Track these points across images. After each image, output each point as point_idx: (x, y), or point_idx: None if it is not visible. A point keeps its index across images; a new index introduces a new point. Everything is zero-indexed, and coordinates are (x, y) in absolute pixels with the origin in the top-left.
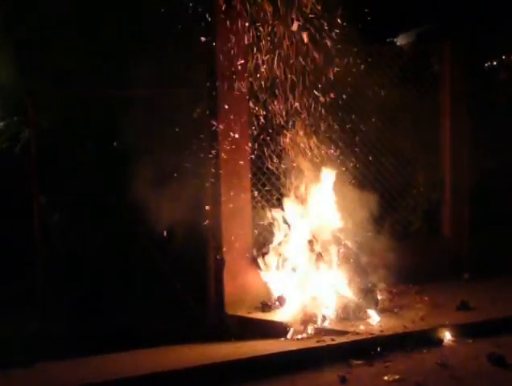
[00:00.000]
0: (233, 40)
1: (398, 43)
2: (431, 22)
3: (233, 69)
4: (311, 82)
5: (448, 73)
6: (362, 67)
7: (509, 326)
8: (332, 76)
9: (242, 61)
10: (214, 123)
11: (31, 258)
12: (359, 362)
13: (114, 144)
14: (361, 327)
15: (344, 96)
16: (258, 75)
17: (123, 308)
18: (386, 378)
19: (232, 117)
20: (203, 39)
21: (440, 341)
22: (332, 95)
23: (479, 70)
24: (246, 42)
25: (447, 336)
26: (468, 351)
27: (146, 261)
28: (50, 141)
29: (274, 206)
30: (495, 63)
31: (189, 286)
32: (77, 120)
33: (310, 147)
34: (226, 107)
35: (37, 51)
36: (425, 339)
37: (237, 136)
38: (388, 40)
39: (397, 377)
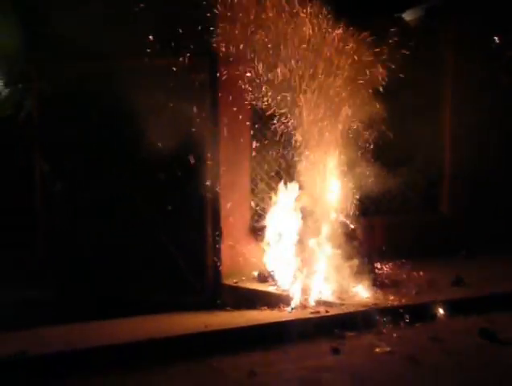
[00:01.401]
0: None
1: (405, 19)
2: None
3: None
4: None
5: (452, 50)
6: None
7: (501, 303)
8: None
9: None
10: (214, 93)
11: (32, 226)
12: (352, 334)
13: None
14: (356, 300)
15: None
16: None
17: (123, 279)
18: (377, 350)
19: (232, 87)
20: None
21: (433, 316)
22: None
23: (484, 48)
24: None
25: (440, 311)
26: (460, 325)
27: (146, 233)
28: (53, 109)
29: (272, 178)
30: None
31: (188, 257)
32: (80, 89)
33: (310, 120)
34: (227, 76)
35: (41, 21)
36: (418, 314)
37: (237, 108)
38: (396, 15)
39: (388, 349)
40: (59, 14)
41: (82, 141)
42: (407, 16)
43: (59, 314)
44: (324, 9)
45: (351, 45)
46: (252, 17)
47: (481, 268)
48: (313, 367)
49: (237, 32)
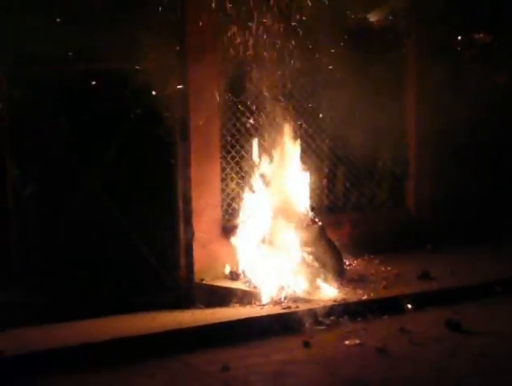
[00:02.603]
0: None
1: (370, 19)
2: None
3: (203, 43)
4: (279, 56)
5: (413, 50)
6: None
7: (466, 295)
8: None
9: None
10: (184, 97)
11: (5, 229)
12: (322, 328)
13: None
14: (326, 295)
15: (310, 71)
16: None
17: (96, 279)
18: (347, 342)
19: (201, 90)
20: None
21: (401, 309)
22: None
23: (446, 47)
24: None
25: (407, 304)
26: (428, 317)
27: (118, 233)
28: (24, 114)
29: (243, 178)
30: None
31: (160, 257)
32: (50, 94)
33: (279, 121)
34: (196, 80)
35: (10, 23)
36: (386, 307)
37: (207, 109)
38: (360, 16)
39: (357, 342)
40: (27, 17)
41: (52, 144)
42: (372, 17)
43: (33, 316)
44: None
45: None
46: None
47: (446, 261)
48: (285, 360)
49: None
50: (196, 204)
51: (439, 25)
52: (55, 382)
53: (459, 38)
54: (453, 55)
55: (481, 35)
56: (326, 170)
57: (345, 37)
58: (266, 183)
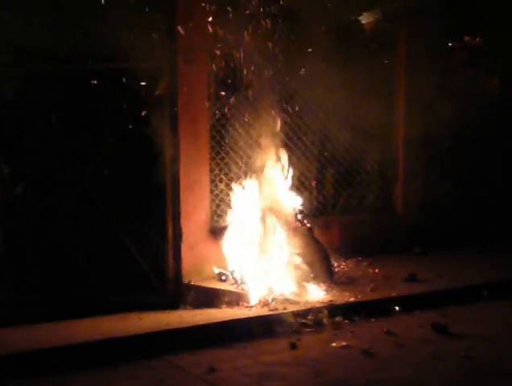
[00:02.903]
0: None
1: (362, 21)
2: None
3: (193, 44)
4: (271, 57)
5: (403, 52)
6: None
7: (453, 298)
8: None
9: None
10: (173, 98)
11: None
12: (309, 329)
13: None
14: (314, 297)
15: (301, 72)
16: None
17: (84, 279)
18: (333, 344)
19: (191, 91)
20: None
21: (388, 311)
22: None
23: (438, 51)
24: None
25: (394, 306)
26: (414, 320)
27: (107, 233)
28: (14, 112)
29: (231, 179)
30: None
31: (148, 258)
32: (41, 92)
33: (267, 122)
34: (186, 82)
35: (2, 24)
36: (373, 309)
37: (196, 110)
38: (353, 18)
39: (344, 344)
40: (19, 15)
41: (42, 143)
42: (365, 19)
43: (18, 316)
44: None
45: None
46: None
47: (434, 264)
48: (271, 362)
49: None
50: (185, 205)
51: (430, 27)
52: (37, 383)
53: (449, 41)
54: (443, 58)
55: (472, 38)
56: (315, 171)
57: (334, 37)
58: (255, 185)
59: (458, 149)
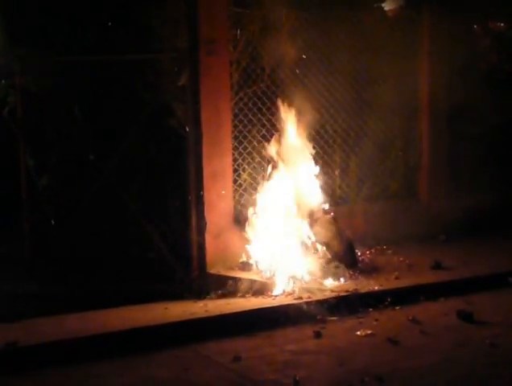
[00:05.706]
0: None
1: (385, 8)
2: None
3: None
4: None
5: (426, 39)
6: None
7: (479, 285)
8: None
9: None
10: (196, 88)
11: (18, 220)
12: (334, 318)
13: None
14: (338, 286)
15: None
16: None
17: (108, 270)
18: (358, 333)
19: (214, 81)
20: None
21: (413, 299)
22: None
23: (460, 36)
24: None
25: (420, 294)
26: (440, 308)
27: (131, 223)
28: (37, 104)
29: (255, 168)
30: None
31: (173, 248)
32: (64, 84)
33: (291, 111)
34: (208, 72)
35: (23, 15)
36: (399, 297)
37: (219, 100)
38: (375, 5)
39: (369, 332)
40: (42, 8)
41: (66, 135)
42: (387, 5)
43: (47, 306)
44: None
45: None
46: None
47: (459, 252)
48: (296, 350)
49: None
50: (208, 195)
51: (453, 12)
52: (67, 372)
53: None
54: (467, 43)
55: (497, 23)
56: (338, 160)
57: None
58: (278, 174)
59: (486, 134)
